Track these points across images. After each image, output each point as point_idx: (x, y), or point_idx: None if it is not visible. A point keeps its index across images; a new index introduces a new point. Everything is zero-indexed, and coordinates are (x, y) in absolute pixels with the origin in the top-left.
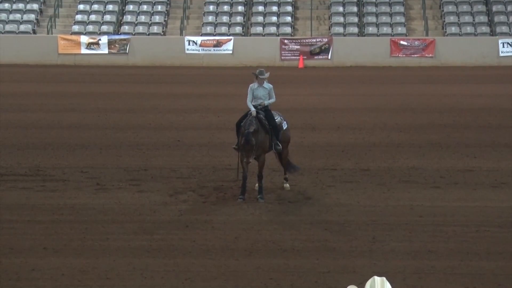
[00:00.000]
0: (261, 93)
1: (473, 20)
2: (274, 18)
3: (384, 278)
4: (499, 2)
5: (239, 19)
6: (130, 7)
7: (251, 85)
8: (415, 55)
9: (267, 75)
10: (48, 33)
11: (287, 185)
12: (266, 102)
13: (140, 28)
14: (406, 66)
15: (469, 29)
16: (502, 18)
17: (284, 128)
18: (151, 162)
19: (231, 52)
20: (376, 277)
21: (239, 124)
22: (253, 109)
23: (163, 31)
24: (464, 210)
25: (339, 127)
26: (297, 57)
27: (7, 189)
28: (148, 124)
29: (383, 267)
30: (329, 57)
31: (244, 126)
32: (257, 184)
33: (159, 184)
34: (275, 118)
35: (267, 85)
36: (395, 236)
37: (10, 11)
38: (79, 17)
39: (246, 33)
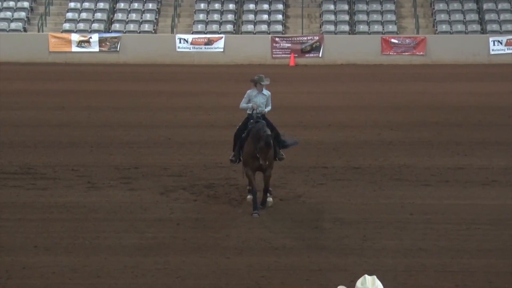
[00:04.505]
0: (260, 101)
1: (464, 18)
2: (265, 16)
3: (375, 277)
4: (490, 0)
5: (230, 17)
6: (121, 5)
7: (248, 91)
8: (406, 53)
9: (267, 81)
10: (38, 31)
11: (270, 199)
12: (266, 110)
13: (131, 26)
14: (397, 64)
15: (459, 27)
16: (493, 16)
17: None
18: (142, 160)
19: (222, 50)
20: (367, 276)
21: (239, 135)
22: (250, 105)
23: (154, 29)
24: (455, 208)
25: (330, 125)
26: (288, 55)
27: None
28: (139, 122)
29: (374, 265)
30: (320, 55)
31: (260, 130)
32: (249, 196)
33: (150, 182)
34: None
35: (266, 92)
36: (386, 234)
37: (1, 9)
38: (70, 15)
39: (237, 31)
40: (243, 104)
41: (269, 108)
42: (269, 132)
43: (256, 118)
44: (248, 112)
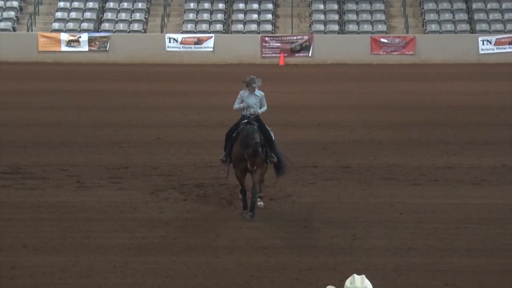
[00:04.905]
0: (252, 101)
1: (453, 18)
2: (254, 16)
3: (364, 276)
4: None
5: (219, 16)
6: (111, 5)
7: (241, 92)
8: (396, 53)
9: (259, 82)
10: (28, 31)
11: (261, 203)
12: (260, 111)
13: (121, 26)
14: (386, 63)
15: (449, 26)
16: (482, 15)
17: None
18: (131, 160)
19: (212, 49)
20: (355, 275)
21: (230, 134)
22: (242, 105)
23: (143, 29)
24: (444, 207)
25: (320, 124)
26: (278, 55)
27: None
28: (129, 121)
29: (363, 264)
30: (310, 55)
31: (249, 135)
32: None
33: (140, 181)
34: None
35: (258, 92)
36: (375, 233)
37: None
38: (59, 14)
39: (227, 30)
40: (236, 105)
41: (264, 108)
42: (257, 139)
43: (249, 118)
44: (242, 113)
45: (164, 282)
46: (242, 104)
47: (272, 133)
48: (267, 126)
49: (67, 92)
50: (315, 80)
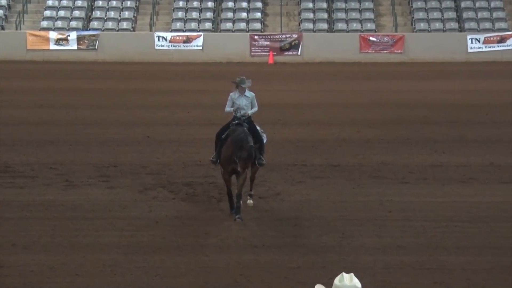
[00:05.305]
0: (243, 103)
1: (442, 16)
2: (244, 14)
3: (352, 274)
4: None
5: (208, 15)
6: (99, 3)
7: (231, 93)
8: (384, 51)
9: (248, 83)
10: (16, 29)
11: (251, 201)
12: (250, 112)
13: (109, 24)
14: (375, 62)
15: (437, 25)
16: (471, 14)
17: (265, 141)
18: (120, 158)
19: (201, 48)
20: (344, 274)
21: (220, 135)
22: (232, 109)
23: (132, 27)
24: (433, 205)
25: (309, 123)
26: (267, 53)
27: None
28: (118, 120)
29: (352, 262)
30: (299, 53)
31: (243, 139)
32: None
33: (129, 180)
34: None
35: (249, 93)
36: (364, 231)
37: None
38: (47, 12)
39: (216, 29)
40: (227, 108)
41: (255, 109)
42: (252, 143)
43: (240, 119)
44: (234, 114)
45: (154, 280)
46: (232, 107)
47: (264, 135)
48: (259, 128)
49: (56, 90)
50: (304, 78)
